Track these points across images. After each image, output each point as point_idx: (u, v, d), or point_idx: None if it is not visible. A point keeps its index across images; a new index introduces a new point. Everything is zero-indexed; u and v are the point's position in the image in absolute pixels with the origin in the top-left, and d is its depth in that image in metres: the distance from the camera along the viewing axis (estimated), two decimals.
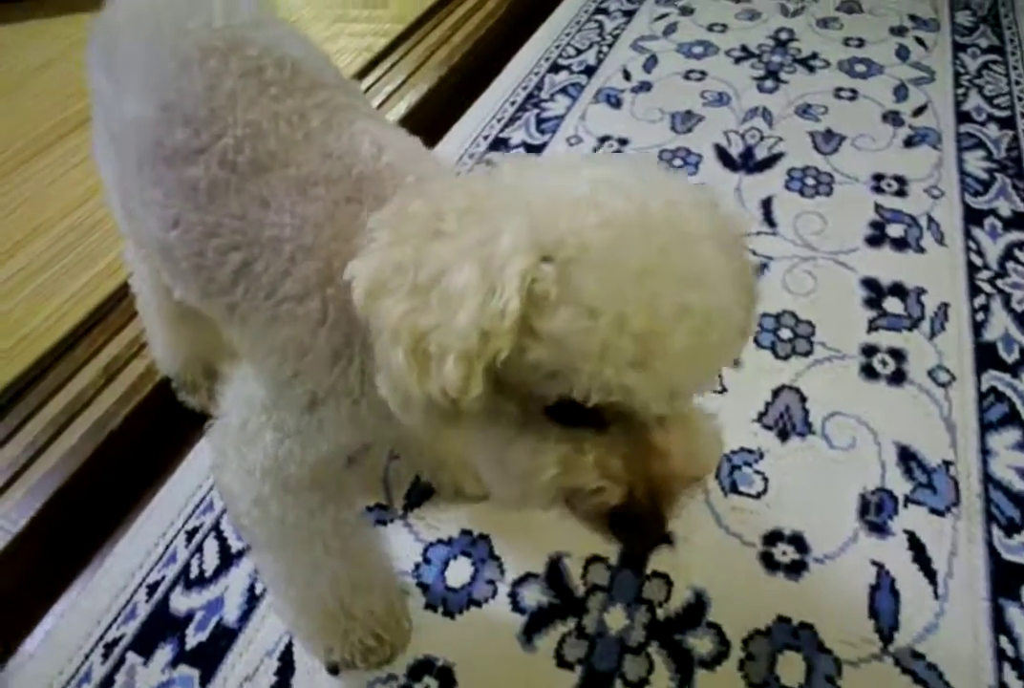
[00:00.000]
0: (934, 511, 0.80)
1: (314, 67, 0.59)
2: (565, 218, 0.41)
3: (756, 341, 0.98)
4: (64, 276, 1.09)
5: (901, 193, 1.20)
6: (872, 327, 1.00)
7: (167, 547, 0.81)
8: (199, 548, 0.81)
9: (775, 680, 0.69)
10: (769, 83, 1.46)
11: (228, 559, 0.79)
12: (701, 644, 0.71)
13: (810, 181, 1.22)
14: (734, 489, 0.83)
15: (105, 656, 0.73)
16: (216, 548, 0.80)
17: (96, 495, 0.86)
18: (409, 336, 0.41)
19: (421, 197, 0.44)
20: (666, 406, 0.42)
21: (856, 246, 1.11)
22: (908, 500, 0.81)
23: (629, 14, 1.70)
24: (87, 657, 0.73)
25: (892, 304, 1.02)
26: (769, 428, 0.89)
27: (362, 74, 1.48)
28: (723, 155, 1.29)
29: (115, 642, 0.74)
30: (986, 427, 0.88)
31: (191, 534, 0.82)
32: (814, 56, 1.53)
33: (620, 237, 0.40)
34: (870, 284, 1.05)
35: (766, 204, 1.18)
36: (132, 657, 0.73)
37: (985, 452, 0.85)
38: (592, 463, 0.45)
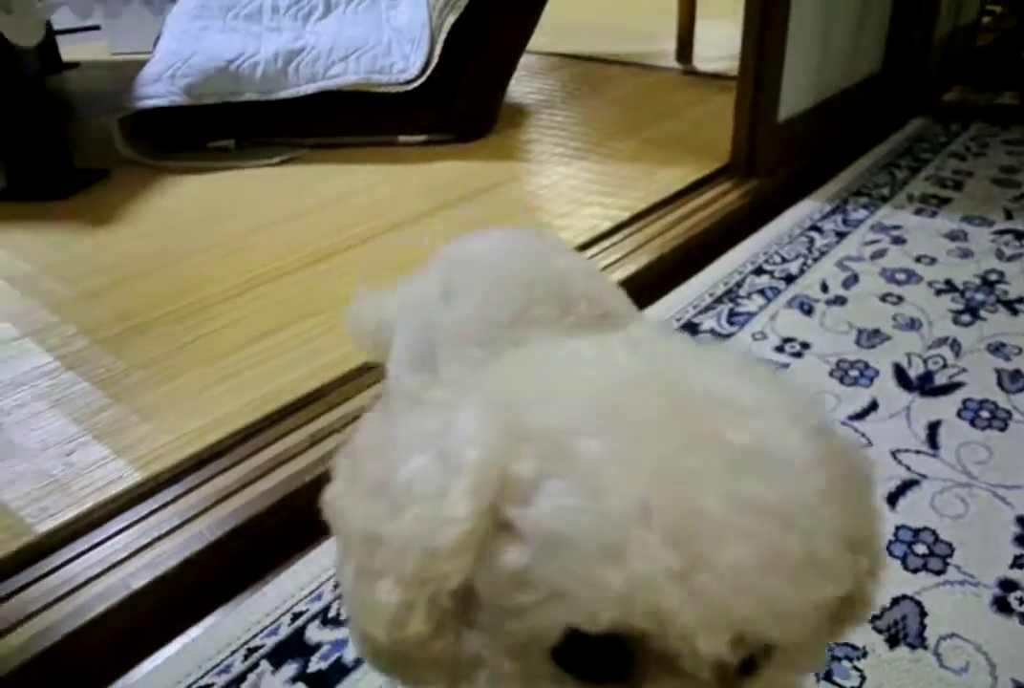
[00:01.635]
0: None
1: (622, 315, 0.67)
2: (556, 379, 0.35)
3: (888, 549, 1.07)
4: (307, 356, 1.44)
5: None
6: (1017, 564, 1.06)
7: (318, 586, 1.02)
8: (341, 595, 1.01)
9: None
10: (966, 318, 1.61)
11: None
12: None
13: (985, 414, 1.33)
14: (827, 677, 0.91)
15: (245, 657, 0.93)
16: None
17: (278, 530, 1.10)
18: (361, 548, 0.34)
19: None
20: (727, 650, 0.30)
21: (1020, 483, 1.19)
22: None
23: (841, 235, 1.94)
24: (232, 653, 0.94)
25: None
26: (879, 631, 0.96)
27: (583, 247, 1.82)
28: (900, 374, 1.43)
29: (256, 649, 0.94)
30: None
31: (338, 582, 1.03)
32: (1021, 300, 1.67)
33: (635, 398, 0.33)
34: None
35: (932, 427, 1.30)
36: (264, 664, 0.93)
37: None
38: None
